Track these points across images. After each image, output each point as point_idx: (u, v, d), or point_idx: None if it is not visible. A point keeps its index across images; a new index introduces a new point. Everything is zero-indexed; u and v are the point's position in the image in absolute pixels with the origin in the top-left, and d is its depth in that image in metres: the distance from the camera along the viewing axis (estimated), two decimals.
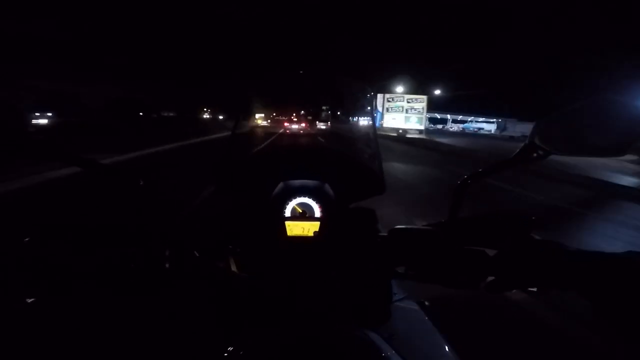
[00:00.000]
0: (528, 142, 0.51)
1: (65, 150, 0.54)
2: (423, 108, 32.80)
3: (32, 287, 0.49)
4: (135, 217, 0.58)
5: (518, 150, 0.53)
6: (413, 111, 32.59)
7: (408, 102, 32.72)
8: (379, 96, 32.53)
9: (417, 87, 34.56)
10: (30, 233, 0.52)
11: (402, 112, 32.66)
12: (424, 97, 33.21)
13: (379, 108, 32.35)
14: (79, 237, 0.54)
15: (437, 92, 38.50)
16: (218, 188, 0.74)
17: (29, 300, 0.47)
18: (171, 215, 0.61)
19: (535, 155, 0.52)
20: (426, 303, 0.73)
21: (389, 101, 33.02)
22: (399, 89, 34.04)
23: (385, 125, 32.04)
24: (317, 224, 0.67)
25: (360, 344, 0.49)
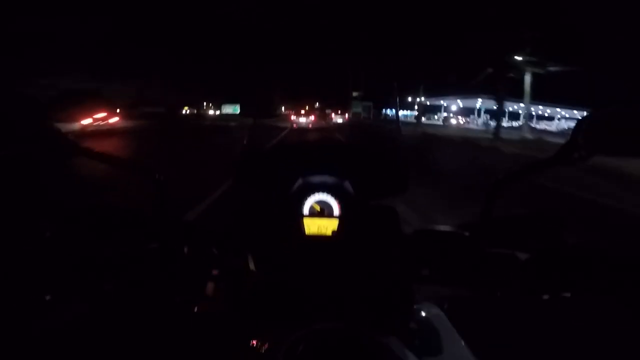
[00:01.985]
0: (570, 140, 0.48)
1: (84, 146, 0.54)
2: None
3: (52, 284, 0.49)
4: (153, 212, 0.57)
5: (558, 149, 0.50)
6: None
7: None
8: None
9: None
10: (51, 228, 0.52)
11: None
12: None
13: None
14: (99, 233, 0.54)
15: None
16: (236, 182, 0.73)
17: (47, 297, 0.47)
18: (189, 211, 0.61)
19: (577, 155, 0.48)
20: (445, 306, 0.71)
21: None
22: None
23: None
24: (336, 222, 0.65)
25: (379, 349, 0.48)
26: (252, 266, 0.58)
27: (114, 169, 0.57)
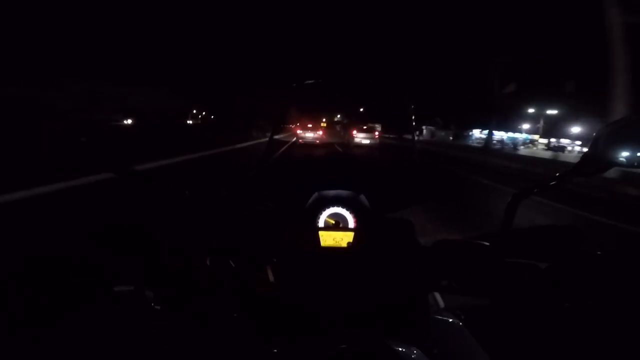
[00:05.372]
0: (589, 153, 0.48)
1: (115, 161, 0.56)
2: None
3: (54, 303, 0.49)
4: (178, 226, 0.59)
5: (577, 162, 0.50)
6: None
7: None
8: None
9: None
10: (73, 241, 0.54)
11: None
12: None
13: None
14: (121, 245, 0.56)
15: None
16: (254, 196, 0.76)
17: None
18: (213, 225, 0.63)
19: (595, 168, 0.48)
20: (463, 317, 0.70)
21: None
22: None
23: None
24: (351, 234, 0.66)
25: (401, 358, 0.48)
26: (271, 278, 0.59)
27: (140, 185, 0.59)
